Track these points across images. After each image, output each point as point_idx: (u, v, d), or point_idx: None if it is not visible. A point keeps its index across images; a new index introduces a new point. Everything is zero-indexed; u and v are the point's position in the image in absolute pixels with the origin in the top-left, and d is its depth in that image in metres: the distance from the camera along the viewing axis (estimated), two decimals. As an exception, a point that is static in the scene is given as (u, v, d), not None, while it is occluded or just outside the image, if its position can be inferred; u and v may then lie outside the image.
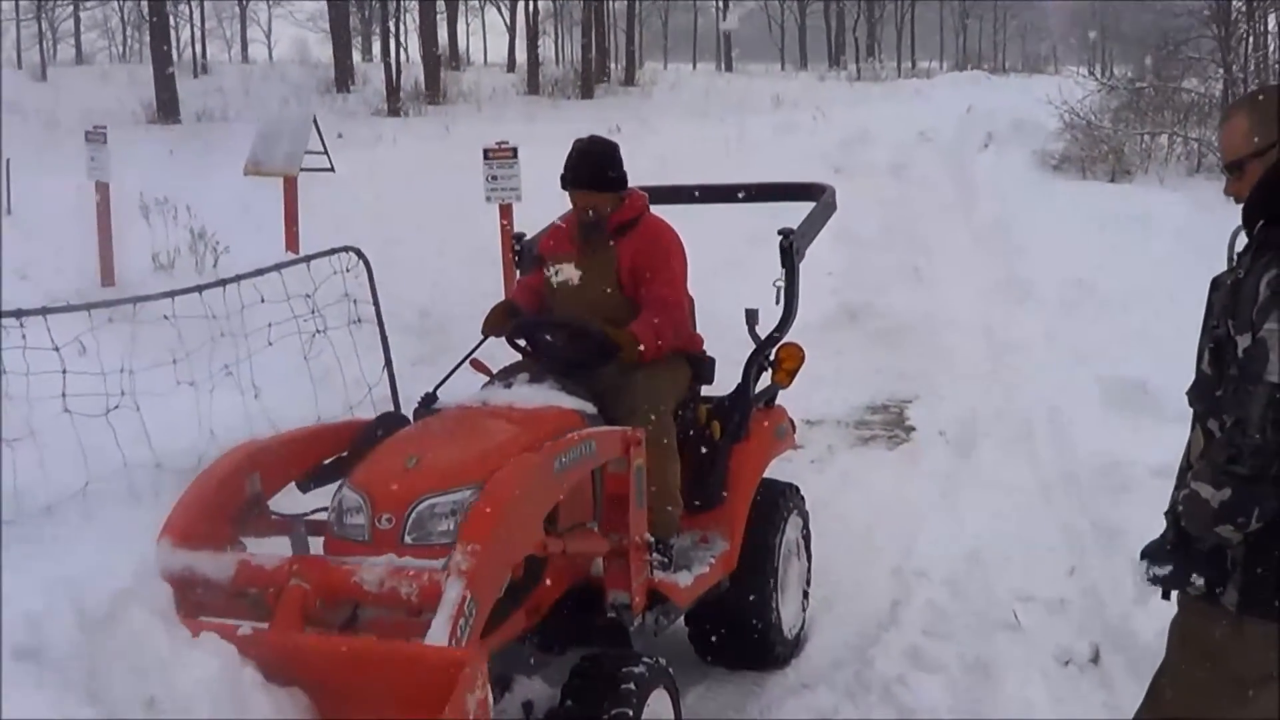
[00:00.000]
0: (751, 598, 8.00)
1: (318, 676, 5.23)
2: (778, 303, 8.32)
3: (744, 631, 8.04)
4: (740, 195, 9.58)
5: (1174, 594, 4.75)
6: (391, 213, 20.71)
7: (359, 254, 10.97)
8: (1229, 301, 4.43)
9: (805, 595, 8.70)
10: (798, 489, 8.73)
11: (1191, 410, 4.66)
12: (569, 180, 7.85)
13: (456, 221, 19.06)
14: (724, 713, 7.70)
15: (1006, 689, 7.52)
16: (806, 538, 8.76)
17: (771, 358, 8.44)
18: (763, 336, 8.44)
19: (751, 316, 8.45)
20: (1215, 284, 4.62)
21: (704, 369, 8.20)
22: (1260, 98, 4.82)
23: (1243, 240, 4.72)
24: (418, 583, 5.57)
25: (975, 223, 22.00)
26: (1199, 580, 4.54)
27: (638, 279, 7.83)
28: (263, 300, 10.76)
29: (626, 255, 7.85)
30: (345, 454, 7.07)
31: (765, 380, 8.53)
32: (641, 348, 7.52)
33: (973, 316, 16.72)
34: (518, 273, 9.05)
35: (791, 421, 8.88)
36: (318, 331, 11.01)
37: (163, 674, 4.90)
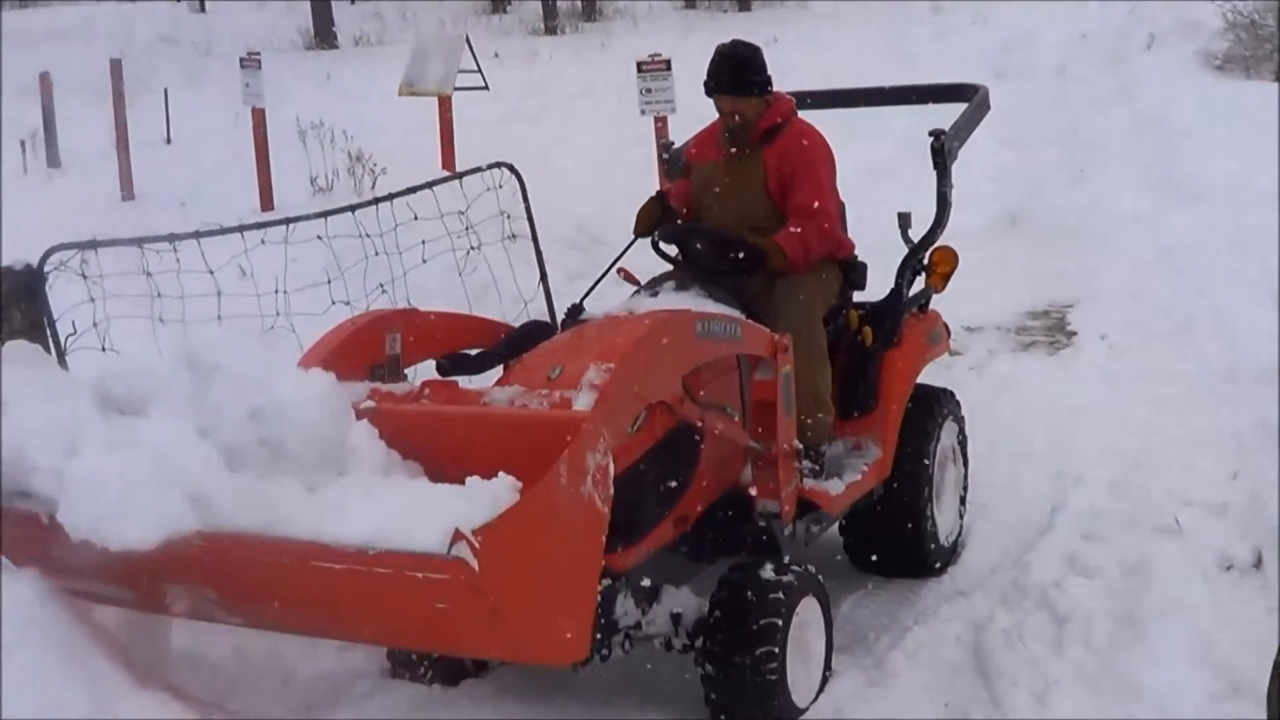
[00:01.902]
0: (906, 505, 7.99)
1: (432, 443, 5.36)
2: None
3: (899, 539, 8.04)
4: (889, 98, 9.49)
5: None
6: (547, 129, 20.78)
7: (512, 169, 10.95)
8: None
9: (962, 502, 8.68)
10: (953, 394, 8.69)
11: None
12: (711, 86, 7.80)
13: (612, 136, 19.10)
14: (877, 620, 7.72)
15: (1166, 593, 7.39)
16: (963, 444, 8.72)
17: (925, 262, 8.36)
18: (916, 241, 8.36)
19: (904, 220, 8.36)
20: None
21: (856, 274, 8.16)
22: None
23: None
24: (549, 401, 5.52)
25: (1138, 123, 21.57)
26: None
27: (785, 186, 7.78)
28: (416, 218, 10.78)
29: (773, 161, 7.78)
30: (490, 351, 7.11)
31: (919, 285, 8.48)
32: (787, 257, 7.48)
33: (1135, 217, 16.41)
34: (667, 181, 9.04)
35: (946, 326, 8.83)
36: (472, 248, 11.02)
37: (267, 389, 5.03)
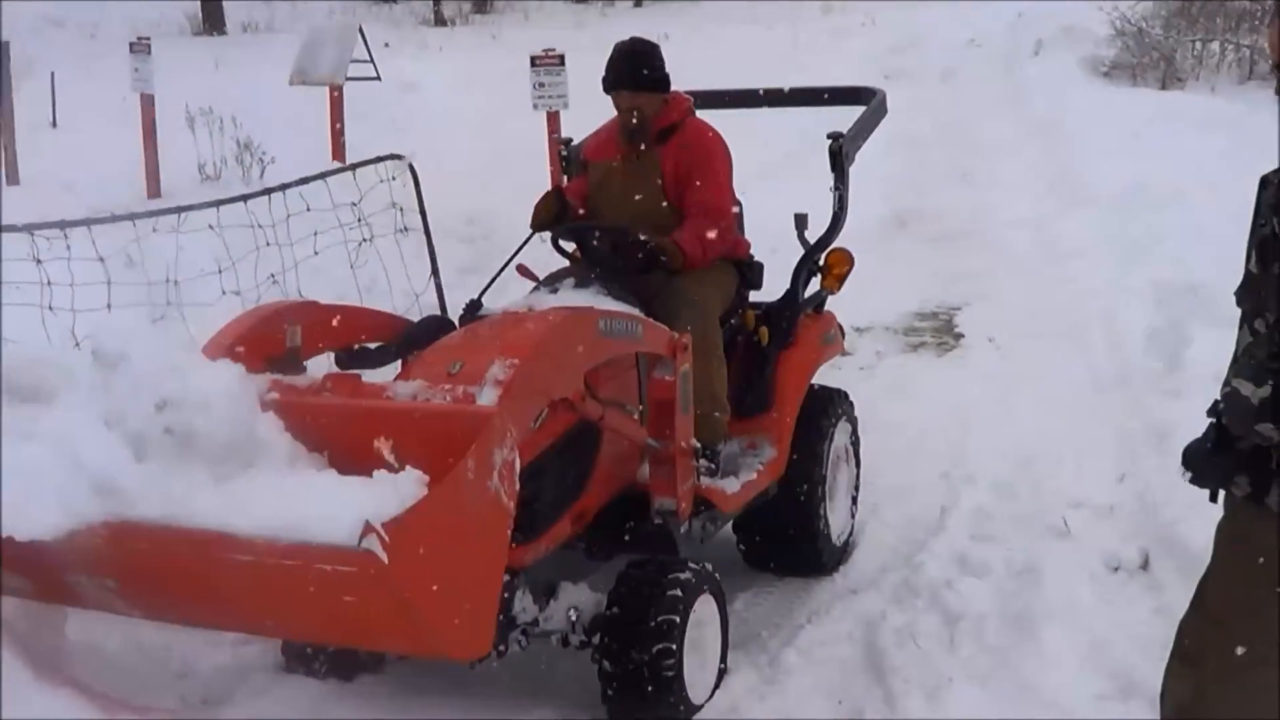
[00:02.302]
0: (800, 504, 8.04)
1: (337, 436, 5.31)
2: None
3: (792, 538, 8.09)
4: (788, 100, 9.51)
5: (1221, 496, 4.71)
6: (438, 121, 20.69)
7: (405, 161, 10.92)
8: (1275, 200, 4.37)
9: (854, 502, 8.74)
10: (846, 395, 8.74)
11: (1239, 310, 4.61)
12: (609, 81, 7.81)
13: (503, 130, 19.04)
14: (771, 618, 7.74)
15: (1054, 593, 7.50)
16: (855, 444, 8.78)
17: (820, 263, 8.42)
18: (812, 241, 8.42)
19: (800, 221, 8.43)
20: (1264, 183, 4.55)
21: (752, 274, 8.20)
22: None
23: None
24: (451, 395, 5.49)
25: (1025, 127, 21.79)
26: (1243, 481, 4.50)
27: (682, 185, 7.81)
28: (308, 209, 10.71)
29: (670, 160, 7.82)
30: (389, 345, 7.08)
31: (814, 286, 8.52)
32: (685, 256, 7.50)
33: (1023, 220, 16.59)
34: (565, 178, 9.02)
35: (840, 327, 8.88)
36: (364, 240, 10.98)
37: (174, 379, 4.98)
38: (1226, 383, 4.41)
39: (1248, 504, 4.50)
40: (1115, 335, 11.92)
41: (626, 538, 7.03)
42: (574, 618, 6.37)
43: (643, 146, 7.87)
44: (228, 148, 16.90)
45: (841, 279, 8.45)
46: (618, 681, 6.26)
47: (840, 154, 8.29)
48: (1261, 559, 4.48)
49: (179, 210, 9.83)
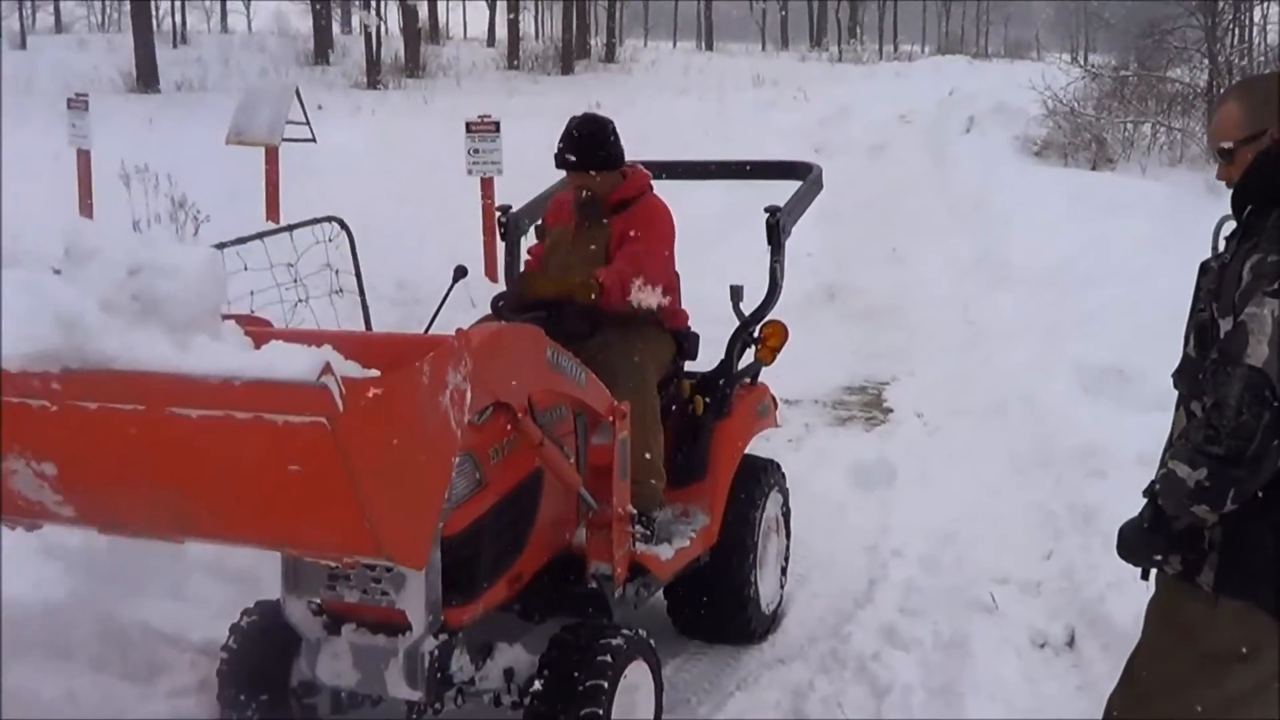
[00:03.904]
0: (731, 572, 8.09)
1: None
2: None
3: (723, 605, 8.13)
4: (730, 172, 9.65)
5: (1152, 574, 4.81)
6: (371, 184, 20.73)
7: (342, 224, 10.98)
8: (1214, 285, 4.48)
9: (783, 572, 8.78)
10: (778, 465, 8.79)
11: (1176, 392, 4.71)
12: (560, 160, 7.88)
13: (436, 194, 19.12)
14: (700, 684, 7.75)
15: (980, 668, 7.57)
16: (786, 515, 8.85)
17: (756, 334, 8.50)
18: (747, 314, 8.51)
19: (736, 293, 8.51)
20: (1203, 268, 4.66)
21: (688, 344, 8.28)
22: (1253, 84, 4.88)
23: (1229, 227, 4.77)
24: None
25: (954, 205, 22.06)
26: (1175, 560, 4.61)
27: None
28: (245, 269, 10.75)
29: (618, 231, 7.90)
30: None
31: (748, 358, 8.60)
32: (600, 285, 7.49)
33: (951, 297, 16.81)
34: (501, 243, 9.06)
35: (774, 398, 8.96)
36: (300, 300, 11.02)
37: (146, 249, 4.90)
38: (1163, 464, 4.52)
39: (1180, 582, 4.61)
40: (1038, 414, 12.04)
41: (562, 600, 7.06)
42: (509, 678, 6.41)
43: (595, 218, 7.98)
44: (162, 205, 16.87)
45: (776, 351, 8.50)
46: None
47: (777, 227, 8.37)
48: (1190, 636, 4.58)
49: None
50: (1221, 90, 23.39)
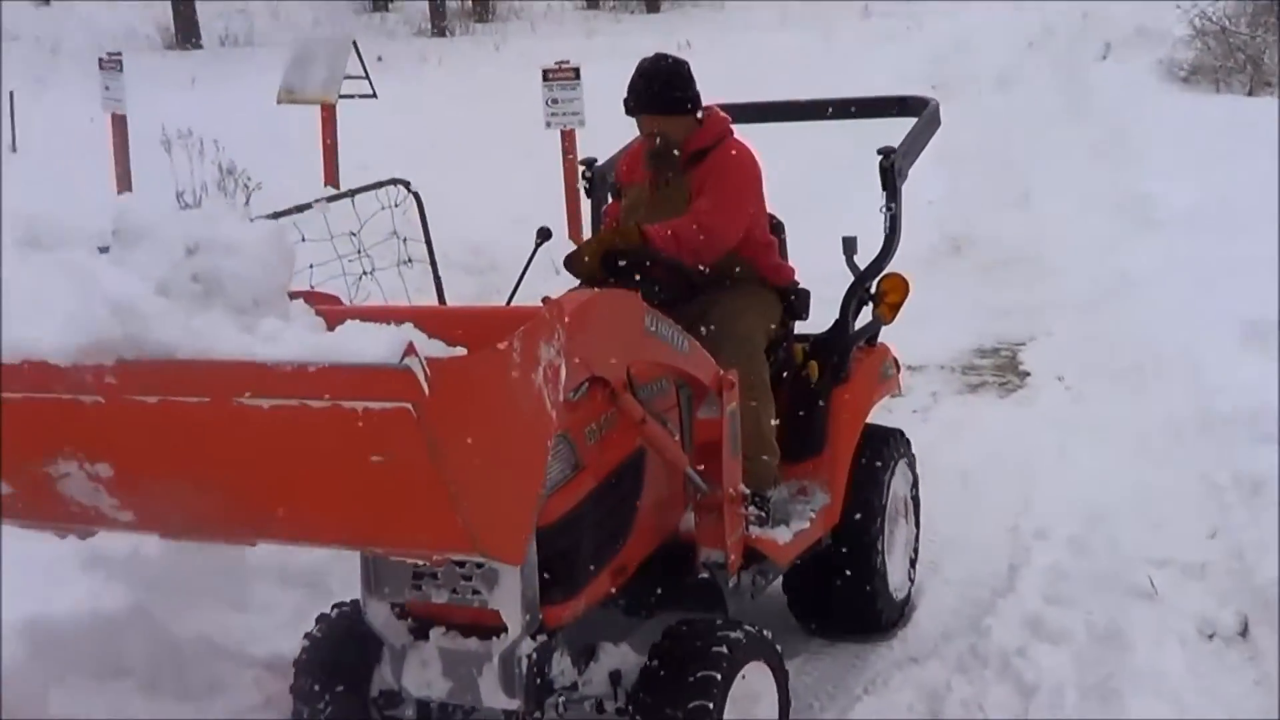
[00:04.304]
0: (857, 556, 8.07)
1: None
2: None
3: (848, 595, 8.11)
4: (831, 112, 9.46)
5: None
6: (440, 142, 20.76)
7: (408, 187, 10.97)
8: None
9: (914, 555, 8.77)
10: (905, 435, 8.75)
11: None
12: (630, 105, 7.82)
13: (512, 150, 19.11)
14: (823, 687, 7.70)
15: (1141, 661, 7.44)
16: (915, 491, 8.84)
17: (873, 290, 8.43)
18: (862, 267, 8.40)
19: (849, 245, 8.39)
20: None
21: (797, 303, 8.20)
22: None
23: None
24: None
25: (1092, 140, 21.81)
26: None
27: None
28: (303, 239, 10.71)
29: (699, 184, 7.77)
30: None
31: (865, 317, 8.54)
32: (644, 236, 7.33)
33: (1091, 244, 16.60)
34: (588, 201, 9.02)
35: (896, 361, 8.91)
36: (365, 273, 11.02)
37: (207, 225, 4.98)
38: None
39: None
40: (1196, 374, 11.86)
41: (670, 594, 7.04)
42: (615, 681, 6.34)
43: (670, 172, 7.88)
44: (208, 172, 16.90)
45: (896, 307, 8.43)
46: None
47: (892, 171, 8.23)
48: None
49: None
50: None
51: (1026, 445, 11.02)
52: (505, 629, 5.90)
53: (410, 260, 11.29)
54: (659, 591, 7.00)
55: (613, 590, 6.65)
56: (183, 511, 5.06)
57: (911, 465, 8.78)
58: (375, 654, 6.33)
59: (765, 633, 6.57)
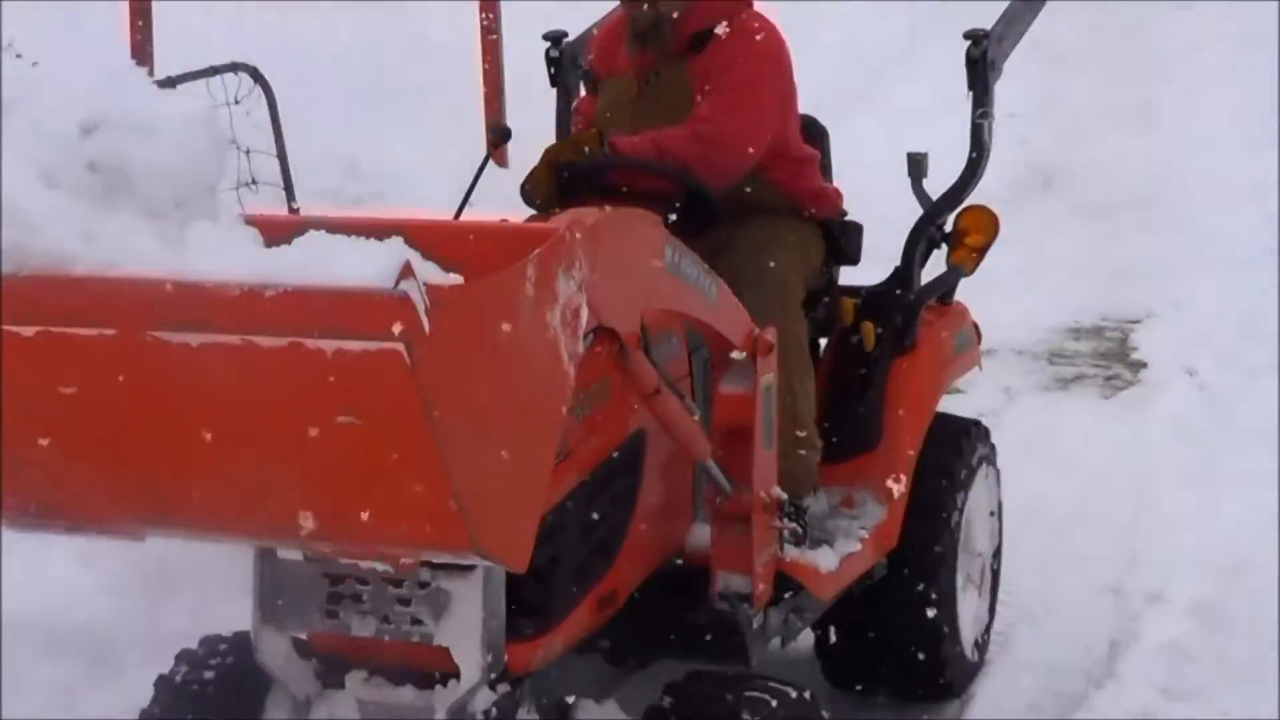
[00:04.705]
0: (920, 592, 8.07)
1: None
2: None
3: (905, 643, 8.11)
4: None
5: None
6: (298, 10, 20.67)
7: (254, 74, 10.96)
8: None
9: (994, 594, 8.87)
10: (988, 431, 8.82)
11: None
12: None
13: (402, 23, 19.03)
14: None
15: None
16: (999, 508, 8.92)
17: (949, 228, 8.43)
18: (934, 196, 8.46)
19: (917, 165, 8.55)
20: None
21: (845, 241, 8.18)
22: None
23: None
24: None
25: (1243, 27, 21.81)
26: None
27: None
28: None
29: (702, 73, 7.65)
30: None
31: (935, 264, 8.62)
32: (615, 147, 7.34)
33: (1241, 179, 16.66)
34: (552, 92, 8.94)
35: (977, 327, 8.97)
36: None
37: (109, 97, 4.85)
38: None
39: None
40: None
41: (669, 635, 7.07)
42: None
43: (664, 55, 7.75)
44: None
45: (982, 252, 8.45)
46: None
47: (984, 62, 8.20)
48: None
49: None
50: None
51: (1138, 468, 11.04)
52: (454, 674, 5.67)
53: (254, 182, 11.26)
54: (656, 631, 7.02)
55: (596, 626, 6.63)
56: (55, 485, 4.97)
57: (996, 472, 8.85)
58: (260, 705, 6.15)
59: (806, 694, 6.46)
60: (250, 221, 4.90)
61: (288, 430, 4.49)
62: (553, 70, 8.86)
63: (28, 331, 4.48)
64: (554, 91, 9.01)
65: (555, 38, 8.83)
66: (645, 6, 7.57)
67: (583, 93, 8.58)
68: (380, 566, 5.43)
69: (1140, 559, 9.75)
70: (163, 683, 6.52)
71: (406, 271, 4.14)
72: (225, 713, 6.26)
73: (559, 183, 7.12)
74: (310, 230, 4.51)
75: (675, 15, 7.56)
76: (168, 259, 4.38)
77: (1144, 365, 13.09)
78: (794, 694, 6.32)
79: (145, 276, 4.33)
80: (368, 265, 4.17)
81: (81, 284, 4.38)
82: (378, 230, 4.68)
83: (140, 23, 16.46)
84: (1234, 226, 15.49)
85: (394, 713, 5.81)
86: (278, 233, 4.61)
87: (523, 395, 4.84)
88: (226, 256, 4.38)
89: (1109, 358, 13.33)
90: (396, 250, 4.22)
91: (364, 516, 4.63)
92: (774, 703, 6.19)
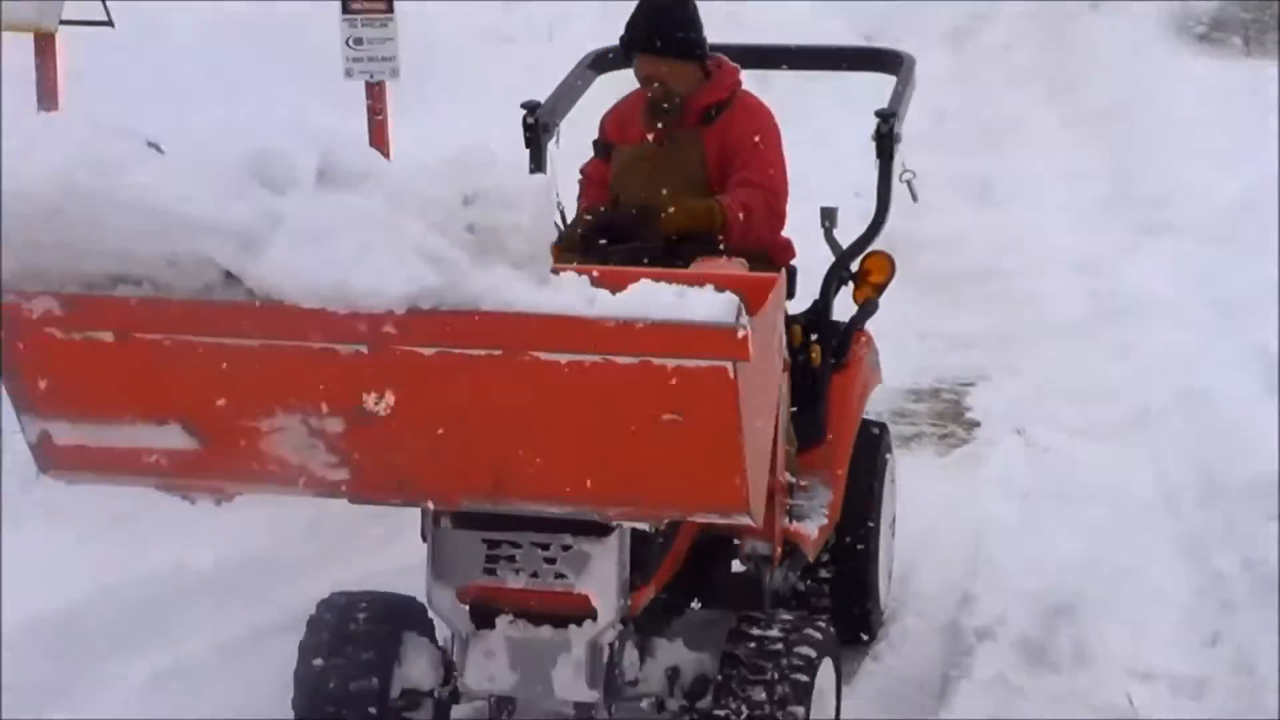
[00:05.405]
0: (857, 556, 9.40)
1: None
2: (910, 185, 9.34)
3: (843, 599, 9.39)
4: (804, 60, 10.64)
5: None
6: (203, 90, 20.68)
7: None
8: None
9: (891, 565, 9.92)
10: (888, 427, 9.85)
11: None
12: (626, 43, 8.82)
13: (299, 105, 19.08)
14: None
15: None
16: (893, 484, 9.96)
17: (855, 269, 9.18)
18: (846, 244, 9.23)
19: (829, 217, 9.30)
20: None
21: (792, 281, 8.82)
22: None
23: None
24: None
25: (1079, 116, 22.06)
26: None
27: (729, 171, 8.73)
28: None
29: (715, 144, 8.73)
30: None
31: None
32: (726, 216, 8.36)
33: (1071, 254, 16.89)
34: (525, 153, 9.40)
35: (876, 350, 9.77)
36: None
37: (483, 173, 5.90)
38: None
39: None
40: (1203, 430, 12.16)
41: (705, 587, 8.23)
42: (673, 679, 7.42)
43: (678, 128, 8.75)
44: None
45: (881, 288, 9.38)
46: None
47: (891, 137, 9.16)
48: None
49: None
50: None
51: (970, 519, 11.31)
52: (592, 615, 6.93)
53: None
54: (694, 584, 8.15)
55: (670, 578, 7.76)
56: (416, 472, 6.22)
57: (893, 460, 9.89)
58: (395, 651, 7.52)
59: (831, 628, 7.67)
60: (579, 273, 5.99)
61: (620, 423, 5.79)
62: (529, 135, 9.43)
63: (426, 351, 5.67)
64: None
65: (530, 107, 9.46)
66: (658, 86, 8.69)
67: (595, 159, 9.29)
68: (534, 536, 6.88)
69: (971, 601, 9.97)
70: (311, 624, 7.73)
71: (741, 310, 5.38)
72: (368, 654, 7.51)
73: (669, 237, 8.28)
74: (640, 280, 5.68)
75: (681, 95, 8.70)
76: (547, 300, 5.57)
77: (977, 424, 13.29)
78: (827, 628, 7.58)
79: (545, 314, 5.54)
80: (718, 307, 5.40)
81: (481, 317, 5.54)
82: (688, 280, 5.77)
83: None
84: (1061, 299, 15.74)
85: (536, 647, 7.04)
86: (605, 281, 5.79)
87: (768, 396, 6.39)
88: (586, 299, 5.58)
89: (944, 418, 13.54)
90: (731, 295, 5.44)
91: (665, 488, 6.03)
92: (820, 636, 7.46)
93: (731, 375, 5.46)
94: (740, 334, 5.38)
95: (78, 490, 7.64)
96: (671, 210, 8.31)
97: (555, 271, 5.91)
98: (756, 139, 8.70)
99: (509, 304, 5.54)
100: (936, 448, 12.82)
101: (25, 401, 6.13)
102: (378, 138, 14.98)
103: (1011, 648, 9.28)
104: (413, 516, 7.88)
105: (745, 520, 6.24)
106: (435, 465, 6.16)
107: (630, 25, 8.67)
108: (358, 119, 15.55)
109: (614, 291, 5.75)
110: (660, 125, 8.72)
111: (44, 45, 16.85)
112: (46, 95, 16.58)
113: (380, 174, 5.89)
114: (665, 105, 8.69)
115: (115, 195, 5.58)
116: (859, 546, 9.29)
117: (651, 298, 5.53)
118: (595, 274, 6.12)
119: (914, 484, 11.64)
